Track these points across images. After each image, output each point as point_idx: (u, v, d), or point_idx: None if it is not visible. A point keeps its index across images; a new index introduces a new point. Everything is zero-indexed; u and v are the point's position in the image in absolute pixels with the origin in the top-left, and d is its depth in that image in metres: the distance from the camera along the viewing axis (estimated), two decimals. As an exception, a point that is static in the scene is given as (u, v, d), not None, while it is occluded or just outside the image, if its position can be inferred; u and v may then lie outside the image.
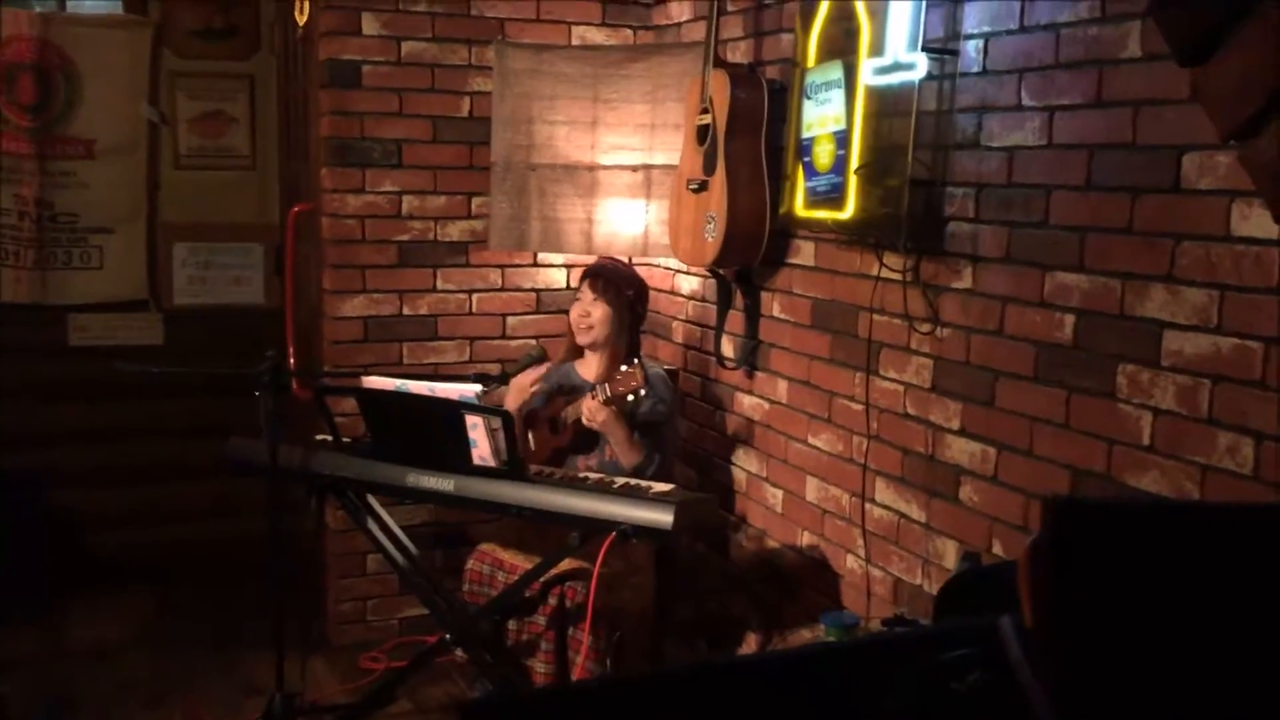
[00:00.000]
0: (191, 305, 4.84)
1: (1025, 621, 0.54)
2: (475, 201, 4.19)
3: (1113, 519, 0.55)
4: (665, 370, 3.75)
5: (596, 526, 3.05)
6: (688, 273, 4.16)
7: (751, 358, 3.77)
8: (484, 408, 3.10)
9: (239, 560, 4.01)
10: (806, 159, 3.19)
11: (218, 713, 3.55)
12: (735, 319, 3.84)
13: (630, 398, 3.25)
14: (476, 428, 3.11)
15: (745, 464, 3.86)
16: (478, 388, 3.13)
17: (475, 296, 4.25)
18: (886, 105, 2.95)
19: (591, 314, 3.54)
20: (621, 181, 4.03)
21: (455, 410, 3.10)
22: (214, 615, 4.24)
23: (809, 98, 3.16)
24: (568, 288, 4.33)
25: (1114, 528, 0.54)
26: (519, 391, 3.53)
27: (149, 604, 4.39)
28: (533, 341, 4.25)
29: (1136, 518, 0.55)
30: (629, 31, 4.30)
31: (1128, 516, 0.55)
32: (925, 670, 0.60)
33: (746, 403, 3.84)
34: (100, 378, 3.94)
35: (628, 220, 4.03)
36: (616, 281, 3.56)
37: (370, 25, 3.99)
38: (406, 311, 4.15)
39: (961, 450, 2.88)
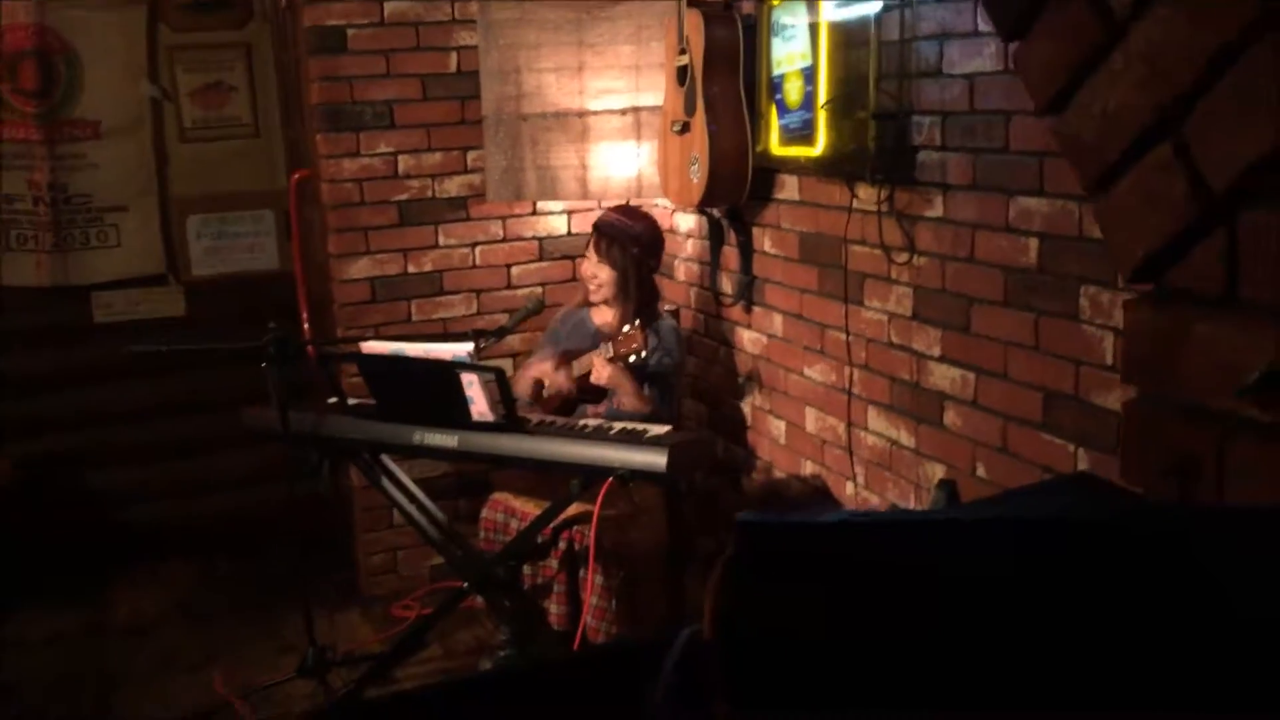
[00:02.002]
0: (209, 275, 4.95)
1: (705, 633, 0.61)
2: (470, 156, 4.23)
3: (793, 536, 0.60)
4: (671, 313, 3.80)
5: (595, 472, 3.14)
6: (685, 211, 4.19)
7: (748, 293, 3.81)
8: (477, 365, 3.18)
9: (273, 526, 4.17)
10: (778, 96, 3.19)
11: (257, 673, 3.71)
12: (731, 255, 3.87)
13: (631, 358, 3.33)
14: (473, 385, 3.20)
15: (750, 397, 3.93)
16: (469, 346, 3.21)
17: (478, 249, 4.31)
18: (849, 38, 2.95)
19: (598, 276, 3.60)
20: (611, 125, 4.06)
21: (449, 369, 3.19)
22: (251, 580, 4.39)
23: (777, 35, 3.16)
24: (569, 234, 4.39)
25: (794, 545, 0.60)
26: (537, 370, 3.62)
27: (187, 574, 4.56)
28: (538, 290, 4.35)
29: (821, 535, 0.60)
30: (610, -28, 4.28)
31: (811, 534, 0.60)
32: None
33: (746, 337, 3.89)
34: (127, 354, 4.07)
35: (620, 163, 4.06)
36: (621, 240, 3.58)
37: (352, -12, 4.02)
38: (411, 269, 4.23)
39: (943, 376, 2.92)
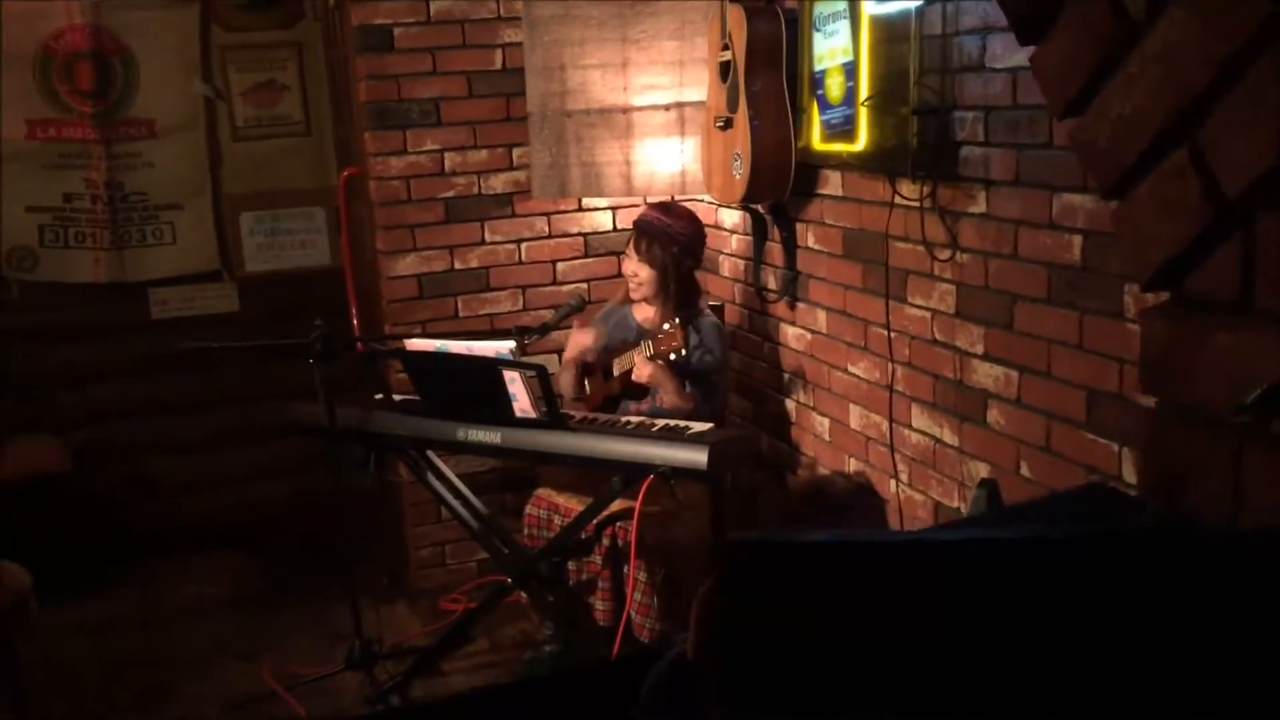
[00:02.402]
0: (262, 271, 5.02)
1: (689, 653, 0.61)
2: (516, 153, 4.26)
3: (779, 556, 0.60)
4: (713, 311, 3.79)
5: (636, 470, 3.15)
6: (728, 207, 4.18)
7: (792, 289, 3.79)
8: (519, 362, 3.20)
9: (324, 517, 4.22)
10: (820, 92, 3.18)
11: (306, 662, 3.77)
12: (775, 251, 3.86)
13: (671, 357, 3.32)
14: (515, 382, 3.22)
15: (795, 394, 3.91)
16: (512, 344, 3.23)
17: (524, 246, 4.34)
18: (890, 33, 2.92)
19: (638, 274, 3.60)
20: (655, 121, 4.05)
21: (492, 367, 3.21)
22: (302, 571, 4.45)
23: (818, 30, 3.14)
24: (615, 230, 4.40)
25: (780, 566, 0.60)
26: (576, 346, 3.63)
27: (240, 563, 4.64)
28: (582, 286, 4.36)
29: (810, 551, 0.60)
30: (655, -32, 4.28)
31: (800, 550, 0.60)
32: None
33: (791, 334, 3.87)
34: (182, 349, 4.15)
35: (664, 159, 4.06)
36: (660, 239, 3.57)
37: (398, -13, 4.06)
38: (458, 266, 4.27)
39: (986, 374, 2.89)
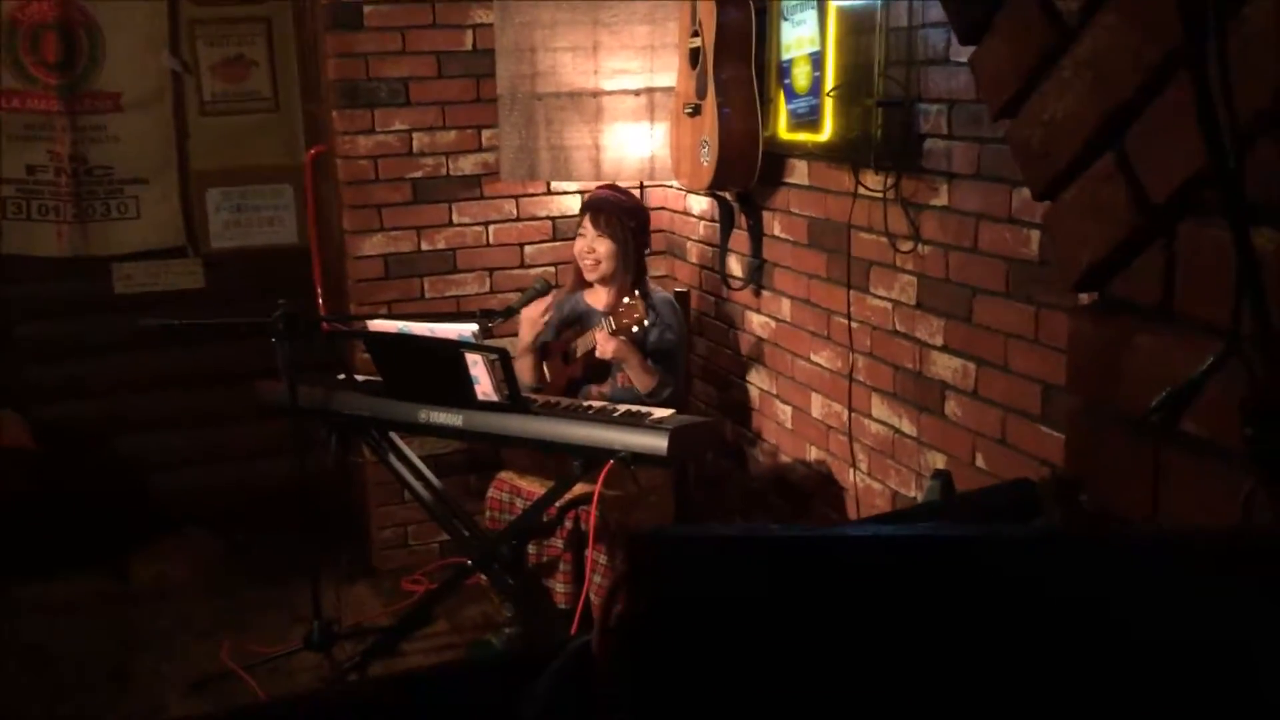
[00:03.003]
0: (228, 248, 4.98)
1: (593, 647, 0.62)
2: (485, 134, 4.24)
3: (685, 550, 0.61)
4: (673, 294, 3.80)
5: (596, 454, 3.16)
6: (696, 194, 4.19)
7: (757, 277, 3.81)
8: (480, 345, 3.20)
9: (289, 497, 4.21)
10: (786, 81, 3.18)
11: (268, 642, 3.76)
12: (741, 239, 3.87)
13: (634, 329, 3.33)
14: (477, 364, 3.23)
15: (758, 381, 3.93)
16: (474, 327, 3.23)
17: (492, 228, 4.33)
18: (857, 24, 2.93)
19: (596, 250, 3.60)
20: (625, 106, 4.05)
21: (454, 349, 3.21)
22: (267, 550, 4.44)
23: (786, 19, 3.15)
24: (583, 214, 4.39)
25: (685, 559, 0.61)
26: (530, 324, 3.62)
27: (206, 543, 4.61)
28: (550, 270, 4.36)
29: (713, 548, 0.61)
30: (628, -49, 4.26)
31: (703, 547, 0.61)
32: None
33: (756, 321, 3.89)
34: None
35: (633, 144, 4.05)
36: (618, 214, 3.59)
37: (368, -35, 4.03)
38: (425, 247, 4.26)
39: (945, 366, 2.91)
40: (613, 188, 3.76)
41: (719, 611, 0.61)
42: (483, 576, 3.62)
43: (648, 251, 3.83)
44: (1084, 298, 1.08)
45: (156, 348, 4.71)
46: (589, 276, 3.67)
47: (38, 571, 4.21)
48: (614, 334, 3.38)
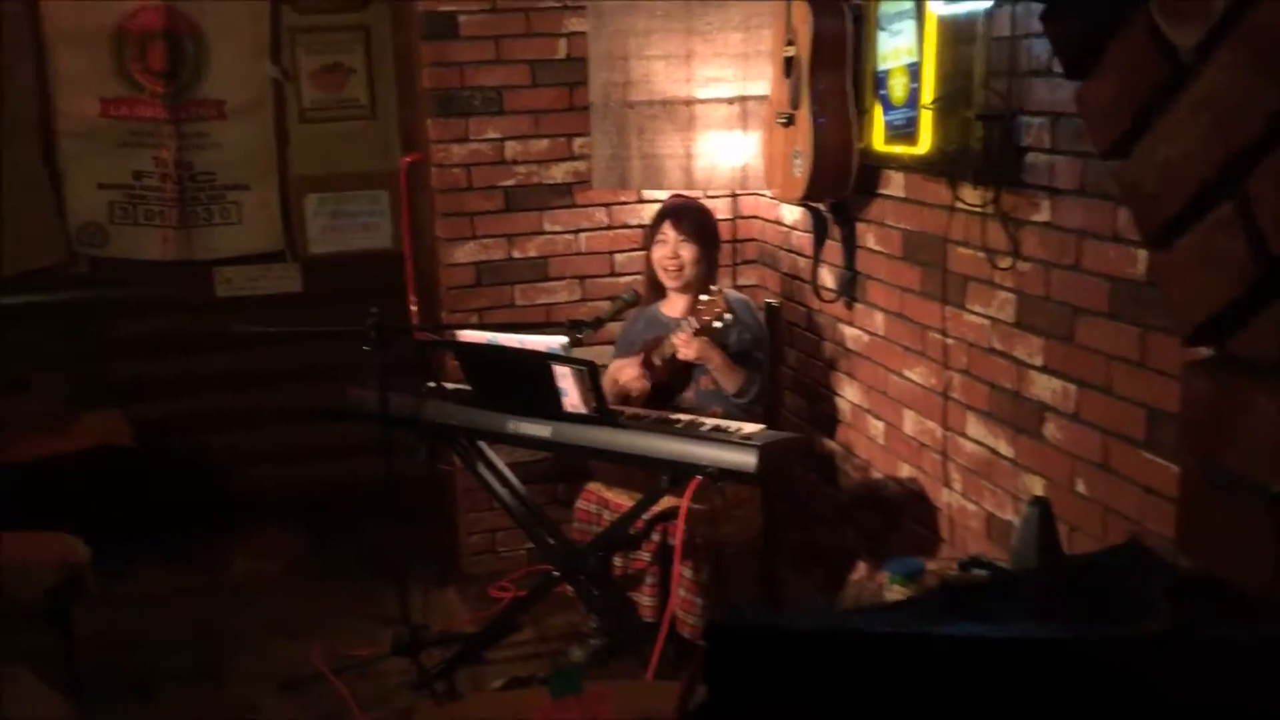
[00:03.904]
0: (326, 253, 5.05)
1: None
2: (577, 142, 4.24)
3: (766, 643, 0.58)
4: (764, 305, 3.76)
5: (683, 470, 3.13)
6: (789, 204, 4.13)
7: (850, 289, 3.74)
8: (569, 358, 3.19)
9: (380, 497, 4.26)
10: (883, 92, 3.12)
11: (355, 644, 3.80)
12: (833, 250, 3.81)
13: (717, 324, 3.29)
14: (565, 377, 3.22)
15: (849, 394, 3.86)
16: (563, 339, 3.22)
17: (583, 236, 4.32)
18: (957, 34, 2.85)
19: (681, 255, 3.58)
20: (718, 115, 4.01)
21: (543, 361, 3.21)
22: (357, 551, 4.49)
23: (883, 28, 3.08)
24: (674, 222, 4.36)
25: (760, 649, 0.58)
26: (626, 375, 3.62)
27: (297, 541, 4.69)
28: (639, 278, 4.33)
29: (790, 642, 0.58)
30: (723, -42, 4.22)
31: (781, 640, 0.58)
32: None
33: (847, 334, 3.82)
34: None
35: (726, 153, 4.01)
36: (700, 219, 3.58)
37: (464, -25, 4.05)
38: (516, 255, 4.26)
39: (1045, 387, 2.82)
40: (681, 196, 3.77)
41: (798, 714, 0.57)
42: (568, 587, 3.61)
43: (739, 262, 3.80)
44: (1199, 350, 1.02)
45: (252, 348, 4.79)
46: (670, 283, 3.64)
47: (133, 567, 4.31)
48: (696, 334, 3.34)
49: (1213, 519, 0.91)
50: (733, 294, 3.59)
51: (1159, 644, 0.55)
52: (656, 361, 3.56)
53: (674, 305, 3.68)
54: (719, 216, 4.01)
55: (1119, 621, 0.81)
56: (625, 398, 3.62)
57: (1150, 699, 0.52)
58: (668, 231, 3.60)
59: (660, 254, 3.63)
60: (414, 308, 4.50)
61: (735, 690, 0.57)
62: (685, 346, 3.40)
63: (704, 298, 3.29)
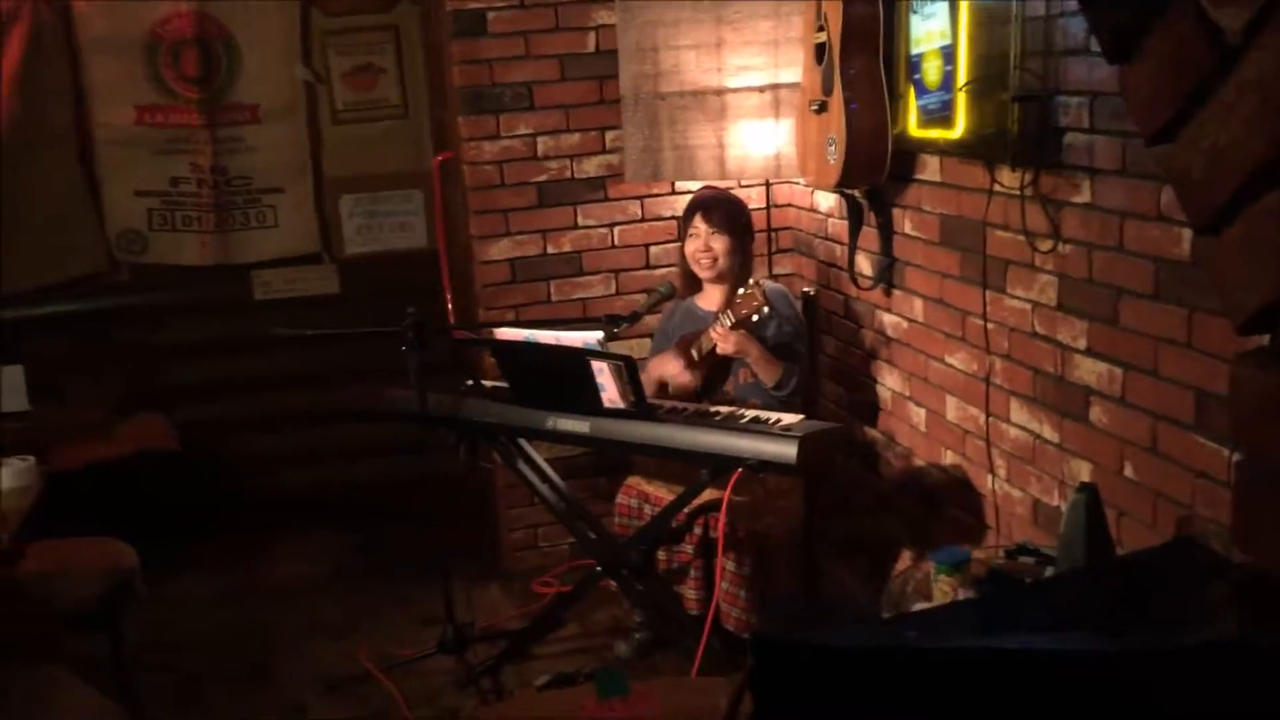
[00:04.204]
0: (362, 254, 5.07)
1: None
2: (609, 136, 4.22)
3: (805, 657, 0.57)
4: (801, 293, 3.73)
5: (724, 463, 3.11)
6: (824, 191, 4.09)
7: (888, 276, 3.70)
8: (606, 353, 3.18)
9: (419, 497, 4.27)
10: (916, 76, 3.08)
11: (401, 643, 3.82)
12: (870, 236, 3.77)
13: (754, 318, 3.28)
14: (603, 372, 3.21)
15: (889, 382, 3.83)
16: (599, 334, 3.22)
17: (617, 229, 4.31)
18: (990, 15, 2.81)
19: (714, 248, 3.56)
20: (750, 103, 3.98)
21: (580, 357, 3.20)
22: (398, 550, 4.50)
23: (915, 12, 3.04)
24: (708, 213, 4.34)
25: (805, 664, 0.56)
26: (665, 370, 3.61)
27: (338, 541, 4.72)
28: (675, 270, 4.31)
29: (835, 654, 0.57)
30: (751, -55, 4.18)
31: (822, 656, 0.57)
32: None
33: (886, 320, 3.78)
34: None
35: (758, 142, 3.99)
36: (731, 210, 3.56)
37: (491, -29, 4.04)
38: (550, 250, 4.26)
39: (1089, 370, 2.78)
40: (711, 187, 3.73)
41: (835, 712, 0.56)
42: (612, 581, 3.61)
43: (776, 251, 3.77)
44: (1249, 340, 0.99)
45: (291, 350, 4.81)
46: (704, 275, 3.63)
47: (179, 568, 4.35)
48: (734, 327, 3.33)
49: (1268, 514, 0.88)
50: (770, 285, 3.57)
51: (1221, 652, 0.53)
52: (695, 355, 3.55)
53: (710, 298, 3.66)
54: (753, 206, 3.99)
55: (1176, 628, 0.78)
56: (666, 391, 3.61)
57: (1213, 712, 0.51)
58: (699, 225, 3.58)
59: (693, 248, 3.61)
60: (450, 306, 4.51)
61: (781, 702, 0.55)
62: (723, 340, 3.38)
63: (742, 290, 3.27)
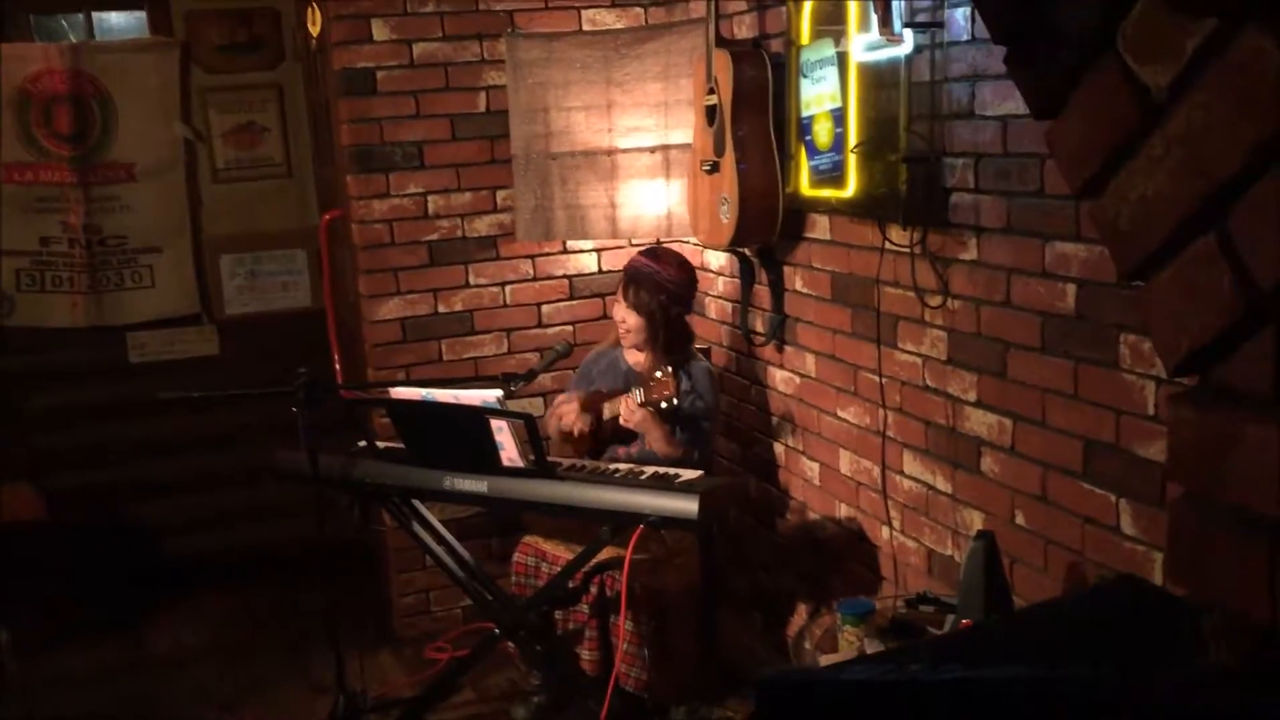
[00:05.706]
0: (243, 314, 4.96)
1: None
2: (500, 195, 4.22)
3: (816, 696, 0.57)
4: (702, 353, 3.76)
5: (625, 519, 3.10)
6: (716, 250, 4.16)
7: (779, 332, 3.77)
8: (506, 412, 3.15)
9: (307, 562, 4.16)
10: (808, 137, 3.16)
11: (292, 715, 3.70)
12: (762, 294, 3.84)
13: (663, 404, 3.30)
14: (502, 430, 3.18)
15: (783, 438, 3.88)
16: (498, 393, 3.19)
17: (509, 288, 4.30)
18: (879, 80, 2.91)
19: (626, 321, 3.58)
20: (640, 164, 4.04)
21: (479, 415, 3.17)
22: (285, 616, 4.38)
23: (805, 75, 3.13)
24: (599, 272, 4.37)
25: (813, 702, 0.56)
26: (566, 418, 3.59)
27: (222, 608, 4.57)
28: (568, 329, 4.32)
29: (837, 694, 0.57)
30: (639, 10, 4.27)
31: (828, 692, 0.57)
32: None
33: (779, 377, 3.84)
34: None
35: (650, 202, 4.04)
36: (648, 286, 3.53)
37: (380, 31, 4.03)
38: (442, 309, 4.22)
39: (980, 422, 2.86)
40: (653, 254, 3.64)
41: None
42: (510, 644, 3.55)
43: (688, 316, 3.75)
44: (1184, 380, 1.03)
45: (170, 413, 4.67)
46: (623, 342, 3.66)
47: (53, 642, 4.14)
48: (642, 405, 3.34)
49: (1210, 550, 0.92)
50: (699, 363, 3.60)
51: (1222, 682, 0.55)
52: (605, 415, 3.55)
53: (635, 354, 3.68)
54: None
55: (1156, 660, 0.81)
56: (568, 436, 3.60)
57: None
58: (620, 293, 3.60)
59: (615, 313, 3.65)
60: (337, 366, 4.43)
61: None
62: (628, 415, 3.41)
63: (658, 375, 3.27)
